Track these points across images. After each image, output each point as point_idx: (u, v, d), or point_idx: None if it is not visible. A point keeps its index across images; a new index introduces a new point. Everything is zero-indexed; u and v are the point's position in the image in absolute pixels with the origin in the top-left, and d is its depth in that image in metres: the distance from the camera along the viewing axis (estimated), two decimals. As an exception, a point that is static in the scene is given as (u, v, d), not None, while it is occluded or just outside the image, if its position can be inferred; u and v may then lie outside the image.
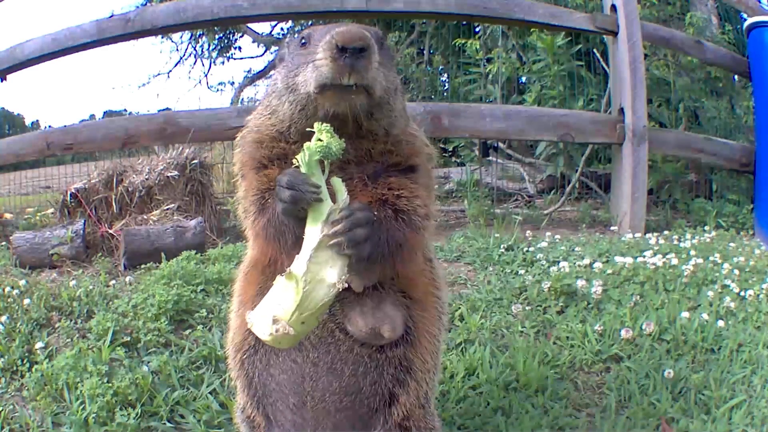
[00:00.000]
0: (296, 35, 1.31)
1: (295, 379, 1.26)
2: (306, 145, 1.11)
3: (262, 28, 10.91)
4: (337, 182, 1.15)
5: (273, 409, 1.32)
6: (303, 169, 1.12)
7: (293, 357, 1.26)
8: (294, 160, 1.13)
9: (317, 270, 1.09)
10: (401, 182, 1.24)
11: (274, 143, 1.26)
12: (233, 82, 11.56)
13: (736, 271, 2.90)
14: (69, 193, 3.69)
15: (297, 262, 1.10)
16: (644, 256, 3.05)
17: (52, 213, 3.87)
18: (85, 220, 3.47)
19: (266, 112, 1.28)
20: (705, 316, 2.42)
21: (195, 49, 11.25)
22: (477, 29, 6.91)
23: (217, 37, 10.92)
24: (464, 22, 6.87)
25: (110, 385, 1.90)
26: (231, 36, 11.12)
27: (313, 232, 1.11)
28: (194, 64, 11.38)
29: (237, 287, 1.43)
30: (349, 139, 1.16)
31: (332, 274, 1.09)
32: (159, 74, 11.37)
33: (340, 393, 1.25)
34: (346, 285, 1.11)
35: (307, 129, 1.15)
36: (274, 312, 1.07)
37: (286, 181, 1.12)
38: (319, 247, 1.10)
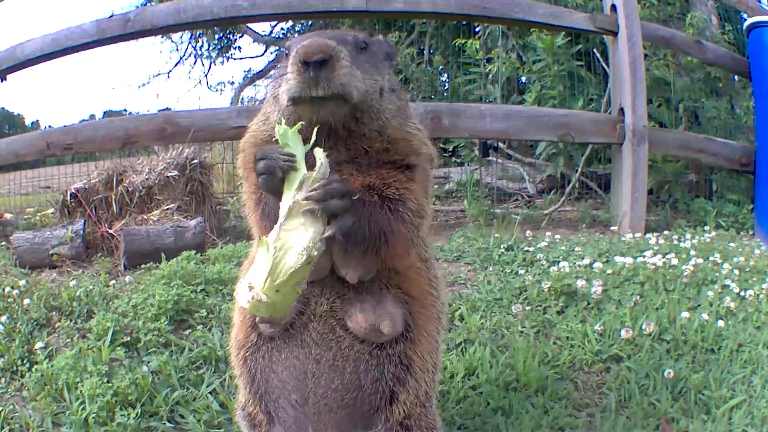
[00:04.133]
0: (296, 35, 1.34)
1: (298, 375, 1.27)
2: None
3: (262, 28, 10.92)
4: (319, 152, 1.15)
5: (275, 406, 1.32)
6: (280, 141, 1.14)
7: (296, 354, 1.27)
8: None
9: (287, 237, 1.09)
10: (392, 174, 1.25)
11: (267, 147, 1.30)
12: (233, 82, 11.60)
13: (736, 271, 2.89)
14: (69, 193, 3.68)
15: (273, 230, 1.11)
16: (644, 256, 3.05)
17: (52, 213, 3.88)
18: (85, 220, 3.47)
19: (262, 118, 1.35)
20: (705, 316, 2.42)
21: (195, 49, 11.25)
22: (477, 29, 6.90)
23: (217, 37, 10.91)
24: (464, 22, 6.87)
25: (110, 385, 1.90)
26: (231, 36, 11.12)
27: (287, 200, 1.12)
28: (194, 64, 11.39)
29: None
30: (342, 141, 1.21)
31: (302, 240, 1.09)
32: (159, 74, 11.38)
33: (341, 390, 1.26)
34: (315, 253, 1.10)
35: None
36: (250, 280, 1.08)
37: (259, 155, 1.18)
38: (290, 214, 1.11)
